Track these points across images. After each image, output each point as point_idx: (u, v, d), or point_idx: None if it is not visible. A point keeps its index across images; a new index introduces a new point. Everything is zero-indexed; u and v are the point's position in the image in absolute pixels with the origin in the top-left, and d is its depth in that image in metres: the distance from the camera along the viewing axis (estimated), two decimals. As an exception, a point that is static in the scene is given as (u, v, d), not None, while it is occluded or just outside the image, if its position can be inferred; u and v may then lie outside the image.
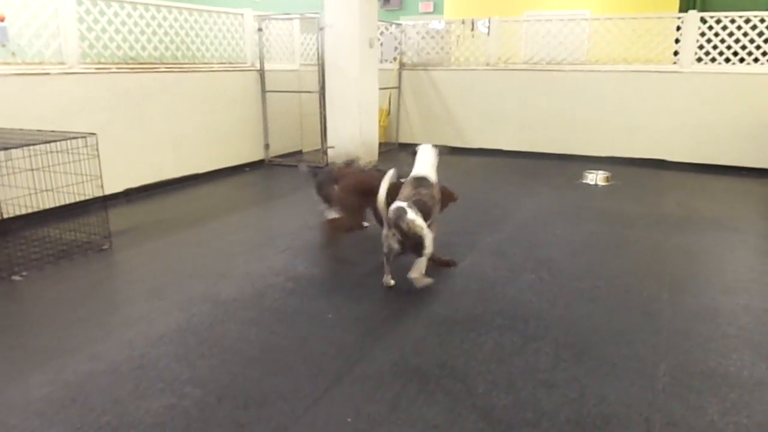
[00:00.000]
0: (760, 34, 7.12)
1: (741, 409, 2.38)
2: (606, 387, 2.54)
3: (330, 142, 7.49)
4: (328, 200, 4.35)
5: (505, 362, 2.74)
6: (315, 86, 7.50)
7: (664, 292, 3.59)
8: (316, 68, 7.47)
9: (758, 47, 7.15)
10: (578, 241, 4.61)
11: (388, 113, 9.33)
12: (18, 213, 4.51)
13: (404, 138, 9.37)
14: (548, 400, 2.44)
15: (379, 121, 8.33)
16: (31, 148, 4.19)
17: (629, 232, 4.86)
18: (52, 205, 4.63)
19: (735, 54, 7.29)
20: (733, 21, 7.22)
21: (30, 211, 4.52)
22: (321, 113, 7.50)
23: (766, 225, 5.38)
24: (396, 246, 3.39)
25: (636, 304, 3.42)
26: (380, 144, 8.06)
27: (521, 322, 3.16)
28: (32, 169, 4.34)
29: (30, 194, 4.41)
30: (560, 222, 5.11)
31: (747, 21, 7.17)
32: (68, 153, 4.25)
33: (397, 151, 9.12)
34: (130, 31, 5.90)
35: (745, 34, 7.17)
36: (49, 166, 4.32)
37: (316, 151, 7.97)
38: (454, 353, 2.82)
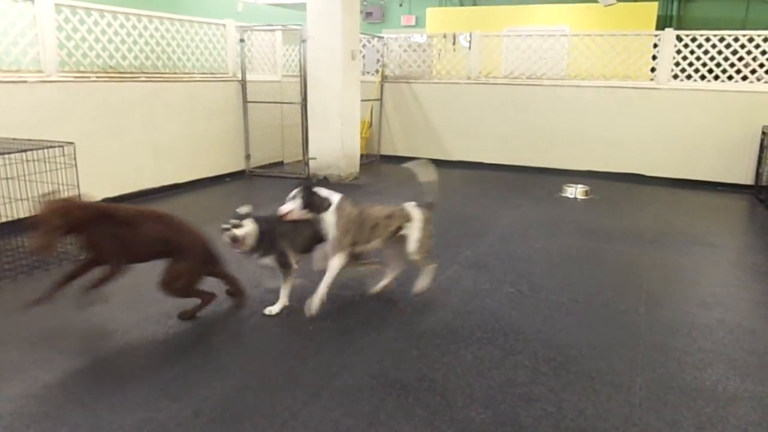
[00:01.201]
0: (734, 52, 7.29)
1: (716, 423, 2.41)
2: (584, 401, 2.56)
3: (311, 153, 7.49)
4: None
5: (484, 375, 2.75)
6: (297, 97, 7.50)
7: (641, 306, 3.63)
8: (298, 79, 7.48)
9: (732, 65, 7.32)
10: (557, 254, 4.65)
11: (370, 125, 9.36)
12: (-8, 222, 4.44)
13: (386, 150, 9.40)
14: (527, 413, 2.45)
15: (361, 133, 8.35)
16: (7, 156, 4.12)
17: (607, 246, 4.92)
18: (27, 215, 4.55)
19: (710, 71, 7.45)
20: (708, 39, 7.38)
21: (4, 220, 4.44)
22: (303, 124, 7.50)
23: (741, 240, 5.48)
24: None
25: (613, 318, 3.45)
26: (362, 156, 8.08)
27: (501, 335, 3.17)
28: (7, 178, 4.27)
29: (5, 203, 4.34)
30: (540, 235, 5.15)
31: (721, 39, 7.33)
32: (45, 162, 4.19)
33: (378, 163, 9.14)
34: (110, 40, 5.86)
35: (720, 52, 7.34)
36: (25, 175, 4.26)
37: (298, 162, 7.96)
38: (433, 366, 2.82)
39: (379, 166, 8.85)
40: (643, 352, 3.02)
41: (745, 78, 7.29)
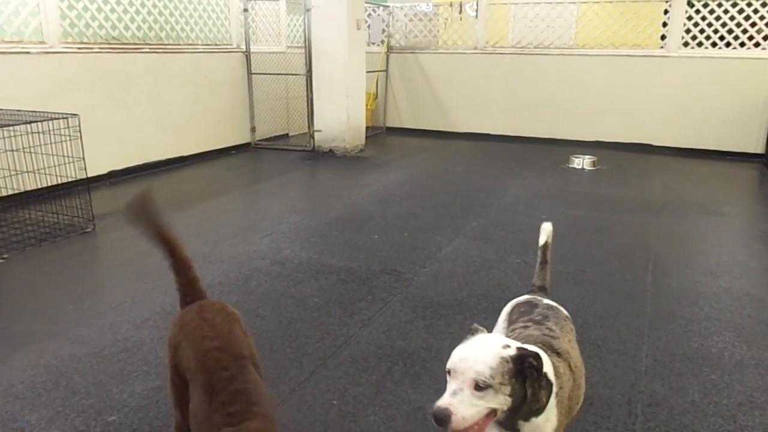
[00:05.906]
0: (747, 18, 7.14)
1: (721, 390, 2.41)
2: (589, 369, 2.55)
3: (317, 125, 7.44)
4: None
5: (490, 345, 2.75)
6: (302, 69, 7.43)
7: (647, 275, 3.62)
8: (302, 50, 7.39)
9: (745, 31, 7.18)
10: (564, 225, 4.63)
11: (376, 97, 9.28)
12: (-1, 195, 4.46)
13: (391, 122, 9.34)
14: (532, 381, 2.45)
15: (367, 105, 8.27)
16: (12, 128, 4.12)
17: (615, 216, 4.89)
18: (33, 187, 4.57)
19: (721, 38, 7.32)
20: (720, 5, 7.23)
21: (11, 192, 4.46)
22: (308, 96, 7.45)
23: (750, 209, 5.43)
24: None
25: (620, 288, 3.44)
26: (367, 128, 8.02)
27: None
28: (12, 150, 4.28)
29: (11, 176, 4.35)
30: (546, 206, 5.13)
31: (734, 5, 7.18)
32: (50, 134, 4.18)
33: (384, 135, 9.09)
34: (112, 10, 5.79)
35: (732, 18, 7.19)
36: (30, 147, 4.26)
37: (303, 134, 7.92)
38: (440, 336, 2.83)
39: (385, 138, 8.81)
40: (649, 321, 3.02)
41: (757, 45, 7.16)
